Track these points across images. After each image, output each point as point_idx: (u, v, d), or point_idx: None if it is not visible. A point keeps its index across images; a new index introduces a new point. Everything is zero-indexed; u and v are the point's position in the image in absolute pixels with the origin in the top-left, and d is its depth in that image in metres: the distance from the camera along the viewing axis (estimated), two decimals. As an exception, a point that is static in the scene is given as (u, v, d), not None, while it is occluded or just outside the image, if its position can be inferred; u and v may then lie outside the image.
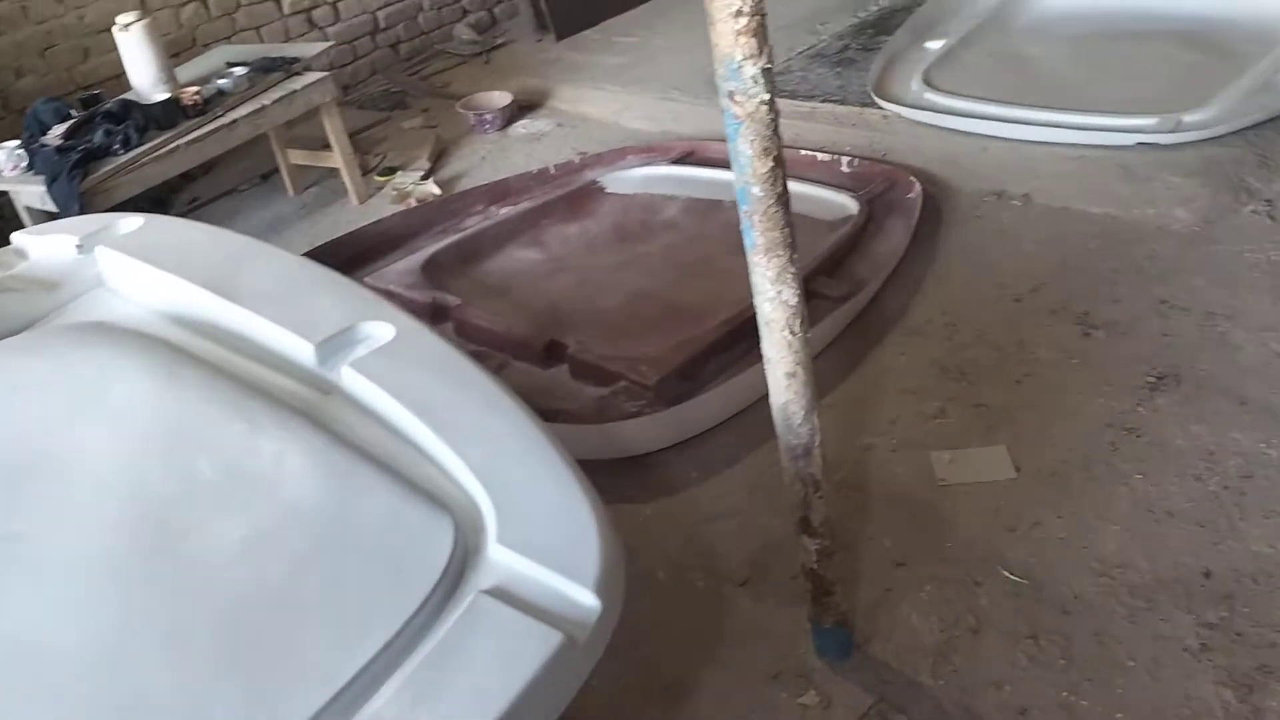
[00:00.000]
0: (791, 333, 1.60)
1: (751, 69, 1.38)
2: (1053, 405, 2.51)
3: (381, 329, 1.74)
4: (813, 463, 1.72)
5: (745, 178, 1.48)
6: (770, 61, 1.40)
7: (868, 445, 2.51)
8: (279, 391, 1.67)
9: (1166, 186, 3.22)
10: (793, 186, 3.72)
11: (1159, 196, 3.19)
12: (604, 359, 2.77)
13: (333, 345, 1.71)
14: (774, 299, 1.57)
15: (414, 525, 1.38)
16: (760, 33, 1.37)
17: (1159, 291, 2.82)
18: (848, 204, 3.43)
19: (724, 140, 4.18)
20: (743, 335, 2.81)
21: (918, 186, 3.40)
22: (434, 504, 1.41)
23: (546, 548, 1.33)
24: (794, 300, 1.57)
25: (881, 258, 3.18)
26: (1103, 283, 2.90)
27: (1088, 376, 2.58)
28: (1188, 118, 3.44)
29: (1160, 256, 2.95)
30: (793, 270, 1.56)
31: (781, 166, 1.48)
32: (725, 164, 3.87)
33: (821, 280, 3.04)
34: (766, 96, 1.41)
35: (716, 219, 3.56)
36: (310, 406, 1.64)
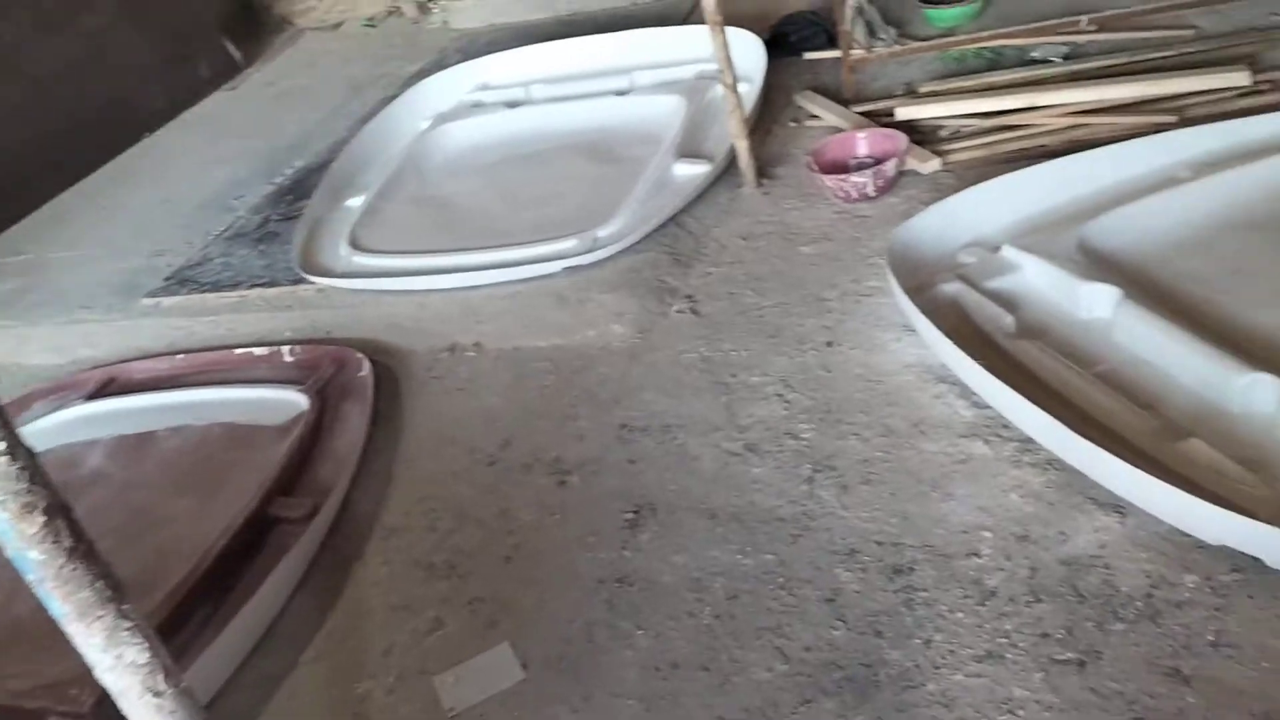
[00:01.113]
0: (155, 694, 1.26)
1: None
2: (545, 576, 2.38)
3: None
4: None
5: (15, 545, 1.13)
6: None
7: (364, 693, 2.20)
8: None
9: (599, 305, 3.28)
10: (233, 393, 3.39)
11: (595, 317, 3.24)
12: (21, 695, 2.22)
13: None
14: (115, 667, 1.22)
15: None
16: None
17: (617, 415, 2.82)
18: (296, 400, 3.13)
19: (148, 357, 3.62)
20: (201, 601, 2.42)
21: (367, 363, 3.19)
22: None
23: None
24: (144, 657, 1.24)
25: (343, 453, 2.92)
26: (566, 420, 2.86)
27: (572, 531, 2.49)
28: (602, 233, 3.56)
29: (610, 378, 2.97)
30: (129, 624, 1.22)
31: (62, 516, 1.14)
32: (154, 385, 3.47)
33: (280, 502, 2.71)
34: (2, 446, 1.07)
35: (151, 456, 3.08)
36: None
